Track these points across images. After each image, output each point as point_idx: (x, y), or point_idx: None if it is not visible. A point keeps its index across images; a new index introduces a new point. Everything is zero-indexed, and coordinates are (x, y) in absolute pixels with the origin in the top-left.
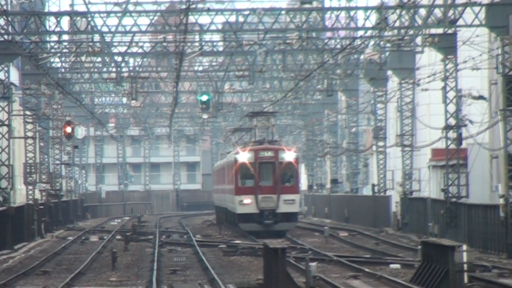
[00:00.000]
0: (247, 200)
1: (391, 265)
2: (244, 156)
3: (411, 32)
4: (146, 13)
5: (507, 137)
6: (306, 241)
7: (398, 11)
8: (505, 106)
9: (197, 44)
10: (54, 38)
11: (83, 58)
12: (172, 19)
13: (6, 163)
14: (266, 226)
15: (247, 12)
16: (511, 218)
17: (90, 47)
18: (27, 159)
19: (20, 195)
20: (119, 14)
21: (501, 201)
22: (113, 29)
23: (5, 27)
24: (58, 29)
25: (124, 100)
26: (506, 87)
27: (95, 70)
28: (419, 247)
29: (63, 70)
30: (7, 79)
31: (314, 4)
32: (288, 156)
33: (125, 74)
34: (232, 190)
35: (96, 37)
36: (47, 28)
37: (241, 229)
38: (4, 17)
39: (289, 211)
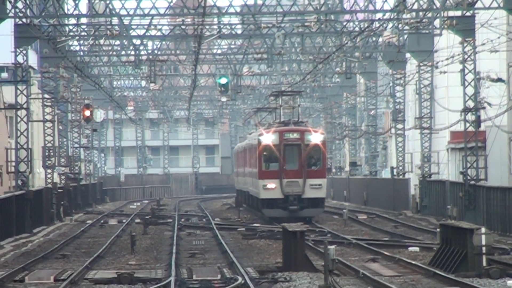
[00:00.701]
0: (271, 184)
1: (410, 248)
2: (268, 138)
3: (430, 14)
4: None
5: None
6: (325, 224)
7: None
8: None
9: (215, 27)
10: (73, 21)
11: (101, 41)
12: (191, 1)
13: (25, 146)
14: (291, 212)
15: None
16: None
17: (109, 30)
18: (46, 142)
19: (39, 179)
20: None
21: None
22: (131, 12)
23: (23, 10)
24: (76, 12)
25: (143, 83)
26: None
27: (114, 53)
28: (438, 230)
29: (81, 53)
30: (25, 62)
31: None
32: (315, 138)
33: (144, 57)
34: (255, 174)
35: (115, 20)
36: (66, 11)
37: (264, 215)
38: (23, 0)
39: (315, 196)
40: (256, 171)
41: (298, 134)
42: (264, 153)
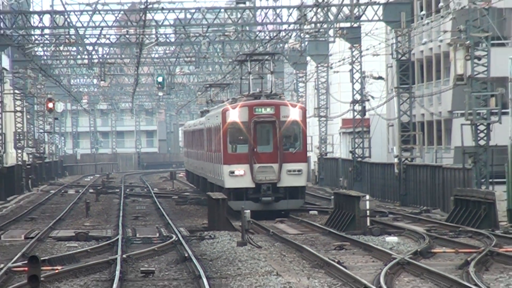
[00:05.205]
0: (239, 170)
1: (310, 212)
2: (235, 114)
3: (325, 26)
4: (112, 11)
5: (400, 109)
6: None
7: (315, 9)
8: (399, 85)
9: (153, 36)
10: (38, 31)
11: (61, 48)
12: (133, 16)
13: (0, 132)
14: (265, 205)
15: (193, 10)
16: (403, 174)
17: (67, 39)
18: (17, 128)
19: (11, 158)
20: (90, 12)
21: (396, 160)
22: (85, 24)
23: None
24: (41, 24)
25: (95, 81)
26: (399, 69)
27: (71, 57)
28: (332, 197)
29: (45, 57)
30: (0, 65)
31: (247, 3)
32: (293, 113)
33: (96, 60)
34: (218, 158)
35: (72, 31)
36: (32, 23)
37: (231, 208)
38: None
39: (294, 184)
40: (220, 154)
41: (272, 109)
42: (230, 132)
